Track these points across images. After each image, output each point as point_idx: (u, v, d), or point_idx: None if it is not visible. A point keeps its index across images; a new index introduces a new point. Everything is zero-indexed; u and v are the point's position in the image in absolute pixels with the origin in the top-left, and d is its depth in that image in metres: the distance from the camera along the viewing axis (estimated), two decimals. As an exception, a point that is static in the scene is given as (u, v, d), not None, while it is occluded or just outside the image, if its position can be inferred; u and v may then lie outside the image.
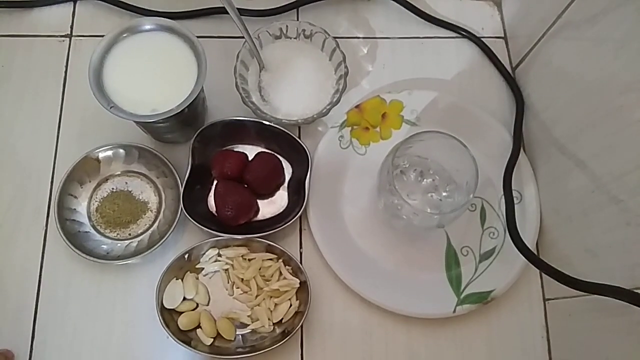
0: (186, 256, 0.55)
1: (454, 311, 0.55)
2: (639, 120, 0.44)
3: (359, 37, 0.68)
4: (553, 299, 0.57)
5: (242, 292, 0.56)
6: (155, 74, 0.53)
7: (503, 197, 0.58)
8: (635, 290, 0.42)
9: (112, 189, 0.59)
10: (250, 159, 0.60)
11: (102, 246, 0.57)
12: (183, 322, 0.53)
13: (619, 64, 0.46)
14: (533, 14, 0.62)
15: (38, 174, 0.60)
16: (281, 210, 0.59)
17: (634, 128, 0.44)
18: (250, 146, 0.61)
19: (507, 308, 0.58)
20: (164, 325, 0.52)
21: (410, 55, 0.67)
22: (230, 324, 0.54)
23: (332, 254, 0.57)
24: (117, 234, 0.58)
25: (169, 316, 0.54)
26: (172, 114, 0.50)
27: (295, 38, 0.62)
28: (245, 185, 0.58)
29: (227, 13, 0.55)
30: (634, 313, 0.42)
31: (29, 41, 0.65)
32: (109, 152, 0.58)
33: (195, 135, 0.57)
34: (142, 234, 0.58)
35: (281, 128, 0.58)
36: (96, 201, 0.58)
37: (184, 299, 0.55)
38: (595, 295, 0.45)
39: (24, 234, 0.58)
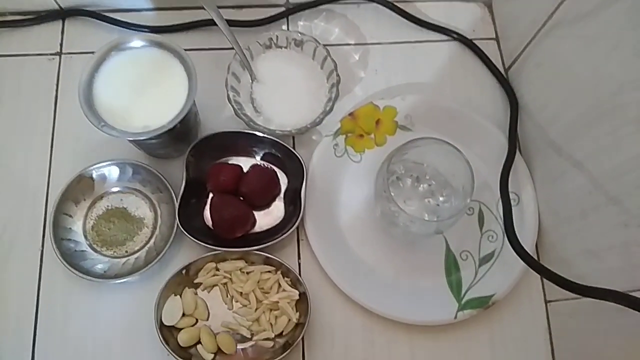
0: (184, 271, 0.55)
1: (455, 317, 0.55)
2: (634, 119, 0.44)
3: (350, 44, 0.68)
4: (554, 301, 0.57)
5: (241, 305, 0.55)
6: (145, 90, 0.53)
7: (500, 200, 0.57)
8: (636, 293, 0.41)
9: (107, 206, 0.59)
10: (245, 171, 0.59)
11: (99, 265, 0.56)
12: (183, 338, 0.53)
13: (613, 64, 0.46)
14: (524, 15, 0.62)
15: (32, 194, 0.60)
16: (278, 222, 0.59)
17: (630, 127, 0.44)
18: (244, 158, 0.61)
19: (508, 312, 0.57)
20: (164, 343, 0.52)
21: (402, 60, 0.67)
22: (231, 339, 0.54)
23: (331, 263, 0.56)
24: (114, 251, 0.57)
25: (168, 333, 0.53)
26: (164, 130, 0.50)
27: (285, 47, 0.62)
28: (241, 198, 0.58)
29: (217, 25, 0.54)
30: (635, 314, 0.41)
31: (18, 60, 0.65)
32: (103, 170, 0.58)
33: (189, 150, 0.57)
34: (138, 250, 0.57)
35: (275, 139, 0.58)
36: (92, 219, 0.58)
37: (183, 314, 0.54)
38: (596, 298, 0.45)
39: (20, 255, 0.58)
